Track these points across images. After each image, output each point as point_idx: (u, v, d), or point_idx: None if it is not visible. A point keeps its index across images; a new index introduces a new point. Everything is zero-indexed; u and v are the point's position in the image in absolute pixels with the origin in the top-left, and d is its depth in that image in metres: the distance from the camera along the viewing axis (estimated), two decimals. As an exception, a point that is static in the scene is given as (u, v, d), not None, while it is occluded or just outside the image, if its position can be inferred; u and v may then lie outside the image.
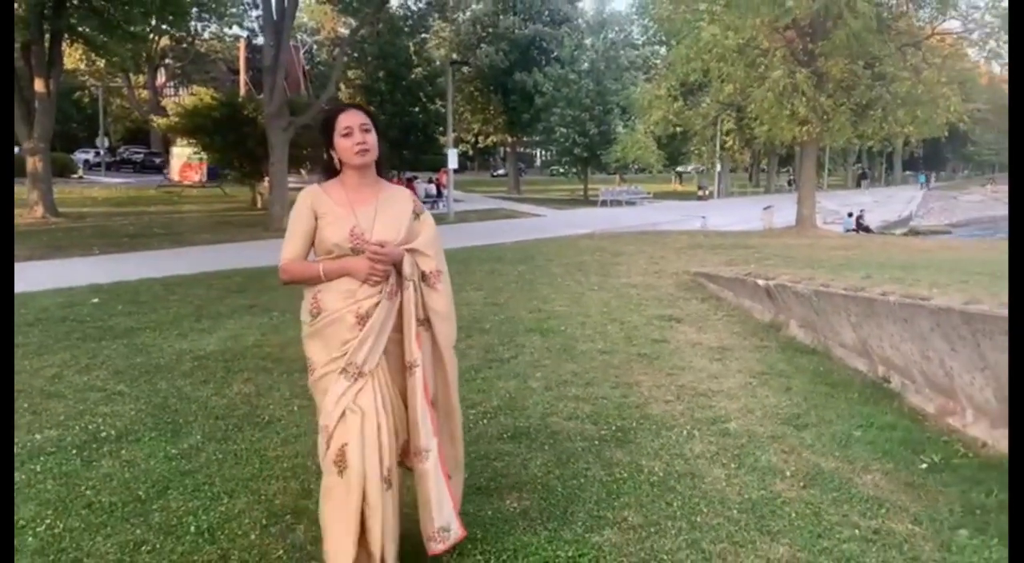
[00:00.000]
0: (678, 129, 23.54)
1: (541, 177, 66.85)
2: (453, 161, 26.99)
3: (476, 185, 49.26)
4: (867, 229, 26.82)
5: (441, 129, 39.53)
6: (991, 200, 58.96)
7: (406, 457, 2.87)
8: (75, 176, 37.25)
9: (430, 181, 34.86)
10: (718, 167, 43.25)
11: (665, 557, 3.02)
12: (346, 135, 2.73)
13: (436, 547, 2.80)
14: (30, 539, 3.12)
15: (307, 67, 44.86)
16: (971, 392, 4.63)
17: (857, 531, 3.26)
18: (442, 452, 2.83)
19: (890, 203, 44.30)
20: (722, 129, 32.30)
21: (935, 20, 19.92)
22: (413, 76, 38.62)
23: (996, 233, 39.84)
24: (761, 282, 8.11)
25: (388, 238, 2.74)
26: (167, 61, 46.81)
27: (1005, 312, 4.15)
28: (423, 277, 2.82)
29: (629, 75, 39.16)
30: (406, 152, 38.87)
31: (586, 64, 39.02)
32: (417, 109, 39.39)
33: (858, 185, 60.31)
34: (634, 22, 43.10)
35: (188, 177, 33.21)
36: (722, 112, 24.38)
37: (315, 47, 51.35)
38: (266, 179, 24.71)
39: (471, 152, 58.25)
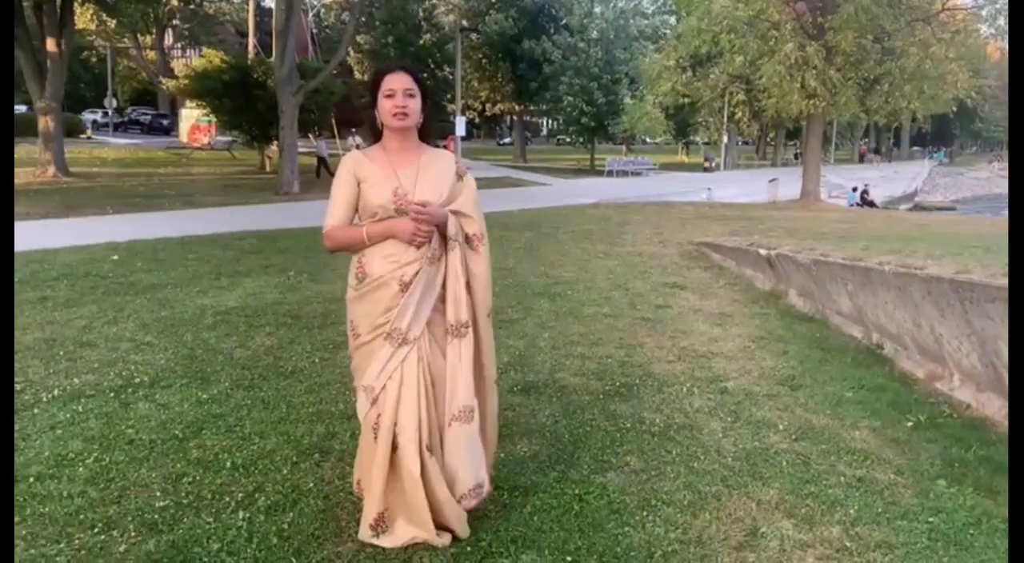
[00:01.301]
0: (686, 100, 23.57)
1: (547, 146, 66.70)
2: (461, 128, 27.11)
3: (482, 153, 49.25)
4: (872, 204, 26.93)
5: (449, 96, 39.46)
6: (997, 177, 58.82)
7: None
8: (84, 136, 37.37)
9: (437, 148, 34.89)
10: (725, 139, 43.19)
11: (664, 496, 3.28)
12: (388, 96, 2.72)
13: (469, 503, 2.84)
14: (81, 470, 3.40)
15: (315, 31, 44.63)
16: (958, 358, 4.88)
17: (842, 479, 3.52)
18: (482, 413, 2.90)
19: (896, 179, 44.26)
20: (730, 101, 32.23)
21: (947, -6, 19.87)
22: (422, 42, 38.53)
23: (1001, 210, 39.93)
24: (763, 252, 8.34)
25: (431, 199, 2.72)
26: (175, 22, 46.62)
27: (992, 281, 4.38)
28: (466, 239, 2.83)
29: (638, 45, 38.90)
30: (413, 119, 38.83)
31: (595, 33, 38.77)
32: (425, 75, 39.09)
33: (861, 160, 60.11)
34: (645, -10, 42.80)
35: (196, 140, 33.28)
36: (731, 84, 24.37)
37: (323, 11, 51.05)
38: (274, 143, 24.86)
39: (478, 120, 58.10)
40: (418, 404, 2.69)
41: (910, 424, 4.29)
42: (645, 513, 3.13)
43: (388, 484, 2.74)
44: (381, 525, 2.78)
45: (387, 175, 2.75)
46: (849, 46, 18.03)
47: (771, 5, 17.67)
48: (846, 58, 18.63)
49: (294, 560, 2.75)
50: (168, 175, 23.92)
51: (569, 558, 2.78)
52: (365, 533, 2.82)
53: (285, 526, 2.98)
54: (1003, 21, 18.81)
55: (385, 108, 2.74)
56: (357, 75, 40.23)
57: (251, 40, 33.95)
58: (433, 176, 2.80)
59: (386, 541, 2.78)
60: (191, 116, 32.58)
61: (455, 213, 2.79)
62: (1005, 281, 4.32)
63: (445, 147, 26.94)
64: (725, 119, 38.31)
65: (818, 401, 4.61)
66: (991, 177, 58.34)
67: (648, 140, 40.38)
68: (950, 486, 3.49)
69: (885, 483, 3.51)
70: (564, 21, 39.10)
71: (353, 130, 34.11)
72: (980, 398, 4.70)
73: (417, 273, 2.70)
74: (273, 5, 24.73)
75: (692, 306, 7.26)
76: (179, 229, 11.63)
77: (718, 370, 5.19)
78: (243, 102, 24.18)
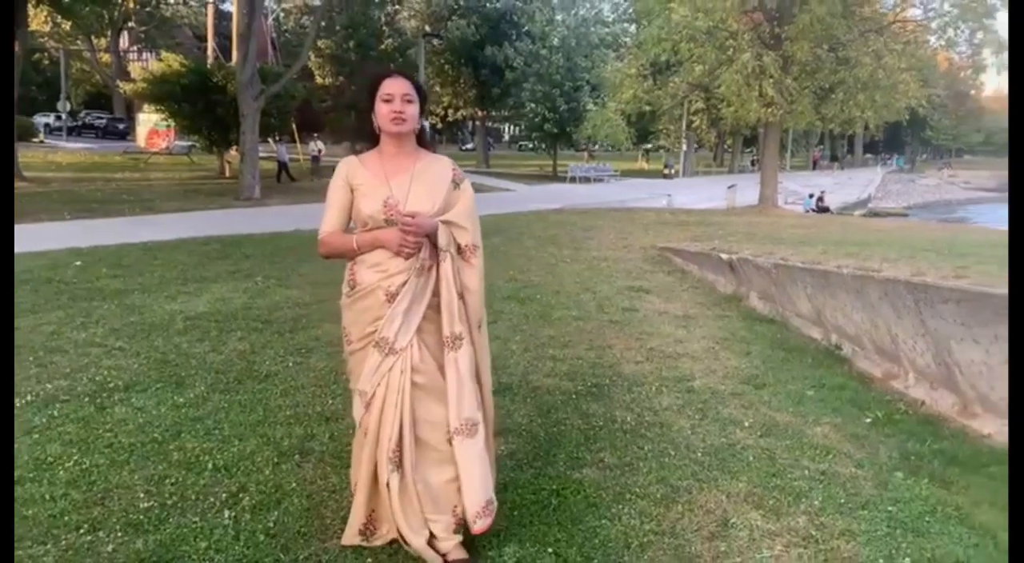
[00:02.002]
0: (647, 108, 23.92)
1: (510, 152, 66.96)
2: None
3: (444, 158, 49.05)
4: (827, 210, 27.57)
5: (411, 102, 39.36)
6: (947, 184, 60.54)
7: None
8: (36, 140, 36.57)
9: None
10: (684, 146, 43.79)
11: (638, 490, 3.41)
12: (386, 101, 2.70)
13: (482, 524, 2.72)
14: (61, 473, 3.42)
15: (274, 35, 44.29)
16: (913, 357, 5.10)
17: (806, 472, 3.68)
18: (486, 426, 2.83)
19: (850, 185, 45.27)
20: (690, 109, 32.75)
21: (897, 7, 20.48)
22: (383, 47, 38.43)
23: (950, 215, 41.10)
24: (724, 256, 8.55)
25: (422, 209, 2.67)
26: (130, 25, 45.87)
27: (945, 283, 4.59)
28: (458, 250, 2.76)
29: (599, 52, 39.31)
30: (375, 123, 38.72)
31: (557, 40, 39.06)
32: (388, 81, 39.19)
33: (814, 166, 61.35)
34: (604, -1, 43.29)
35: (155, 144, 32.78)
36: (691, 92, 24.81)
37: (282, 15, 50.65)
38: (234, 148, 24.63)
39: (440, 125, 58.08)
40: (396, 417, 2.65)
41: (869, 420, 4.48)
42: (620, 506, 3.25)
43: (371, 488, 2.74)
44: (370, 528, 2.82)
45: (379, 183, 2.72)
46: (805, 56, 18.49)
47: (730, 15, 18.04)
48: (802, 67, 19.10)
49: (282, 556, 2.82)
50: (126, 180, 23.53)
51: (550, 549, 2.88)
52: (353, 538, 2.83)
53: (271, 524, 3.04)
54: (952, 32, 19.49)
55: (383, 113, 2.71)
56: (318, 80, 39.98)
57: (210, 44, 33.60)
58: (427, 184, 2.76)
59: (376, 541, 2.84)
60: (149, 120, 32.07)
61: (447, 223, 2.72)
62: (958, 283, 4.54)
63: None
64: (684, 127, 38.86)
65: (781, 399, 4.78)
66: (941, 184, 60.01)
67: (612, 148, 40.76)
68: (907, 478, 3.67)
69: (847, 476, 3.67)
70: (526, 28, 39.36)
71: (315, 135, 33.93)
72: (934, 395, 4.92)
73: (404, 283, 2.66)
74: (232, 9, 24.51)
75: (658, 309, 7.43)
76: (141, 234, 11.51)
77: (685, 370, 5.35)
78: (203, 106, 23.93)
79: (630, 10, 26.60)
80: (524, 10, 40.74)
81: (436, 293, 2.73)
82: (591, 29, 40.22)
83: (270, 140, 30.63)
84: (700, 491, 3.43)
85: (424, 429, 2.70)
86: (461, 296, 2.75)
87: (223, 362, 5.19)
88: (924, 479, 3.65)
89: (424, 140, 2.88)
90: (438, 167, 2.84)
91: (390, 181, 2.73)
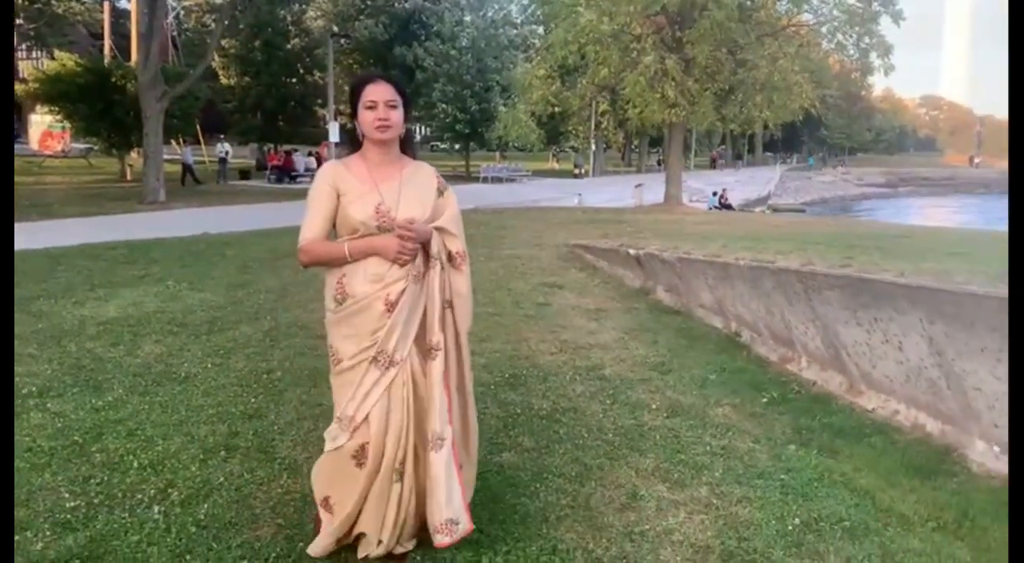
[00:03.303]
0: (556, 109, 24.38)
1: (422, 152, 66.24)
2: (335, 134, 26.86)
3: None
4: (729, 207, 28.65)
5: (320, 101, 38.93)
6: (841, 181, 63.62)
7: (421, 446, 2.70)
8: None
9: (310, 154, 34.41)
10: (593, 147, 44.65)
11: (554, 470, 3.64)
12: (370, 108, 2.62)
13: (442, 540, 2.63)
14: (-20, 478, 3.39)
15: (175, 34, 42.98)
16: (805, 341, 5.51)
17: (708, 448, 3.98)
18: (454, 441, 2.68)
19: (751, 183, 47.02)
20: (597, 110, 33.47)
21: (791, 12, 21.49)
22: (290, 47, 37.80)
23: (844, 210, 43.26)
24: (632, 252, 8.91)
25: (414, 215, 2.62)
26: (19, 22, 43.63)
27: (831, 271, 4.99)
28: (449, 257, 2.73)
29: (509, 54, 39.74)
30: (283, 124, 38.10)
31: (466, 41, 39.28)
32: (295, 81, 38.62)
33: (713, 165, 63.41)
34: (513, 0, 43.74)
35: (49, 147, 31.37)
36: (597, 94, 25.38)
37: (182, 13, 49.17)
38: (136, 150, 23.88)
39: (350, 125, 57.47)
40: (403, 430, 2.59)
41: (765, 400, 4.84)
42: (538, 485, 3.47)
43: (360, 507, 2.66)
44: (354, 546, 2.77)
45: (369, 189, 2.63)
46: (705, 59, 19.23)
47: (633, 19, 18.61)
48: (703, 70, 19.85)
49: (214, 545, 2.91)
50: (21, 185, 22.44)
51: (474, 526, 3.06)
52: (328, 547, 2.75)
53: (201, 516, 3.12)
54: (841, 36, 20.61)
55: (366, 120, 2.64)
56: (223, 80, 39.03)
57: (107, 43, 32.40)
58: (416, 191, 2.71)
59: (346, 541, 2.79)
60: (42, 122, 30.73)
61: (439, 230, 2.69)
62: (842, 271, 4.95)
63: (319, 153, 26.48)
64: (593, 127, 39.64)
65: (685, 383, 5.10)
66: (836, 181, 62.97)
67: (524, 148, 41.22)
68: (798, 449, 4.02)
69: (744, 450, 3.99)
70: (435, 28, 39.43)
71: (221, 137, 33.13)
72: (824, 376, 5.33)
73: (403, 292, 2.60)
74: (130, 7, 23.72)
75: (571, 303, 7.70)
76: (41, 240, 11.10)
77: (596, 359, 5.62)
78: (101, 107, 23.12)
79: (538, 12, 27.00)
80: (433, 11, 40.85)
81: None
82: (500, 30, 40.60)
83: (174, 142, 29.76)
84: (611, 468, 3.68)
85: (421, 439, 2.66)
86: (449, 303, 2.72)
87: (140, 365, 5.16)
88: (814, 450, 4.00)
89: (407, 146, 2.82)
90: (424, 174, 2.79)
91: (379, 187, 2.65)
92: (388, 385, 2.58)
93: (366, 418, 2.57)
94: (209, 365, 5.23)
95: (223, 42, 36.13)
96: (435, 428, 2.62)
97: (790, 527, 3.14)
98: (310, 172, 32.25)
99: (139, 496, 3.27)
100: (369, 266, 2.60)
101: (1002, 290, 3.64)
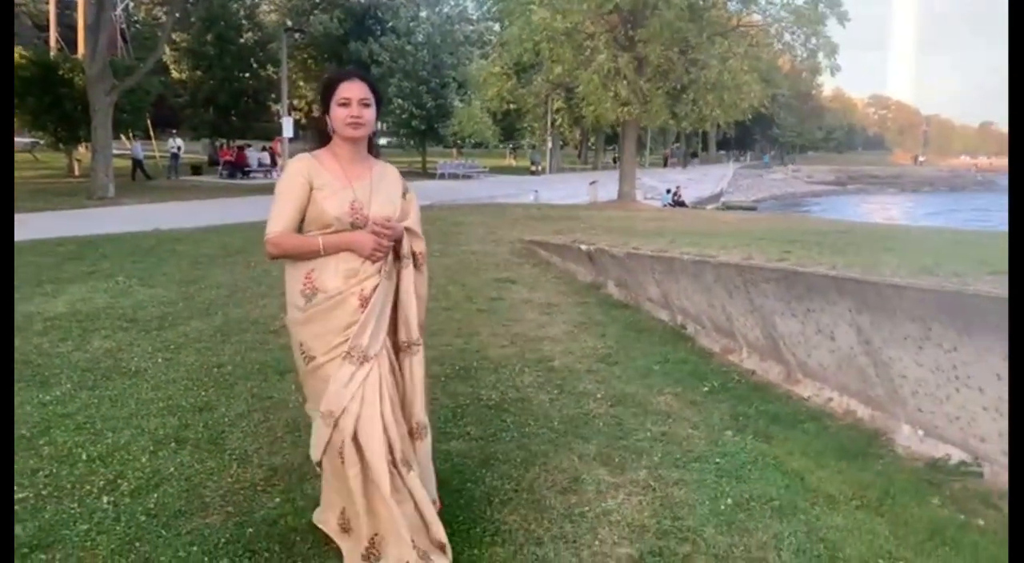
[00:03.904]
0: (512, 106, 24.49)
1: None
2: (288, 130, 26.60)
3: (310, 155, 48.27)
4: (682, 204, 29.11)
5: (273, 96, 38.53)
6: (791, 178, 64.91)
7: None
8: None
9: (264, 149, 34.05)
10: (549, 144, 44.90)
11: (500, 456, 3.75)
12: (343, 105, 2.63)
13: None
14: (-75, 472, 3.39)
15: (124, 27, 42.12)
16: (745, 332, 5.70)
17: (649, 434, 4.14)
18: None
19: (705, 180, 47.74)
20: (552, 108, 33.70)
21: (741, 12, 21.91)
22: (243, 41, 37.30)
23: (794, 207, 44.17)
24: (584, 248, 9.08)
25: (386, 214, 2.66)
26: (-42, 11, 42.35)
27: (768, 265, 5.19)
28: (413, 257, 2.78)
29: (465, 50, 39.74)
30: (236, 119, 37.61)
31: (422, 36, 39.18)
32: (248, 75, 38.14)
33: (665, 164, 64.10)
34: (469, -3, 43.72)
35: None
36: (552, 91, 25.56)
37: (131, 5, 48.19)
38: (84, 145, 23.41)
39: (304, 121, 56.91)
40: (383, 421, 2.57)
41: (706, 389, 5.02)
42: (484, 471, 3.58)
43: (370, 506, 2.60)
44: (374, 553, 2.63)
45: (343, 185, 2.63)
46: (657, 58, 19.52)
47: (586, 18, 18.80)
48: (655, 69, 20.14)
49: (164, 532, 2.97)
50: (-39, 179, 21.90)
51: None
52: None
53: (151, 505, 3.17)
54: (789, 37, 21.09)
55: (339, 116, 2.64)
56: (175, 74, 38.39)
57: (53, 34, 31.64)
58: (386, 190, 2.74)
59: None
60: (-16, 115, 29.83)
61: (407, 230, 2.74)
62: (777, 264, 5.15)
63: (272, 149, 26.16)
64: (549, 124, 39.88)
65: (630, 374, 5.26)
66: (786, 178, 64.22)
67: (480, 145, 41.30)
68: (735, 435, 4.19)
69: (684, 436, 4.15)
70: (391, 24, 39.23)
71: (174, 131, 32.60)
72: (763, 366, 5.54)
73: (376, 288, 2.62)
74: (78, -2, 23.23)
75: (523, 298, 7.83)
76: (-15, 236, 10.88)
77: (546, 352, 5.75)
78: (48, 101, 22.64)
79: (494, 9, 27.06)
80: (388, 6, 40.65)
81: (394, 300, 2.74)
82: (456, 26, 40.61)
83: (123, 137, 29.20)
84: (555, 454, 3.81)
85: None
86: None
87: (88, 360, 5.15)
88: (749, 436, 4.18)
89: (372, 147, 2.83)
90: (391, 175, 2.82)
91: (353, 184, 2.65)
92: (363, 379, 2.58)
93: (344, 412, 2.56)
94: (159, 360, 5.24)
95: (174, 35, 35.57)
96: (420, 419, 2.78)
97: (723, 507, 3.30)
98: (263, 168, 31.95)
99: (88, 487, 3.31)
100: (341, 261, 2.60)
101: (922, 281, 3.86)
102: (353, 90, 2.64)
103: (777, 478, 3.64)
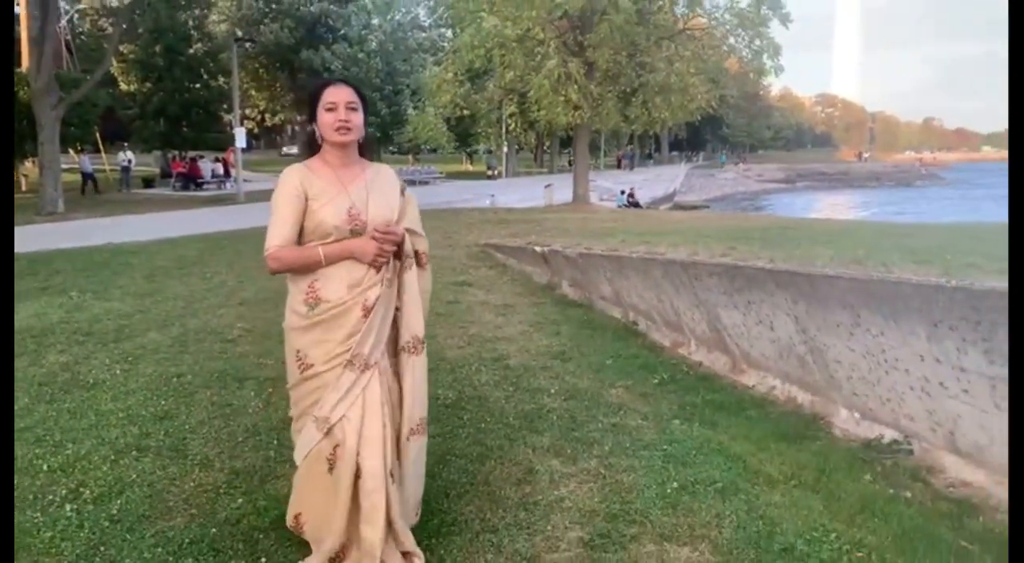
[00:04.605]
0: (466, 112, 24.65)
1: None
2: (241, 140, 26.39)
3: (264, 165, 47.91)
4: (637, 204, 29.50)
5: (225, 106, 38.13)
6: (742, 177, 66.07)
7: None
8: None
9: (217, 160, 33.70)
10: (504, 148, 45.16)
11: (457, 452, 3.88)
12: (330, 110, 2.63)
13: (416, 519, 2.89)
14: None
15: (68, 38, 41.35)
16: (692, 326, 5.92)
17: (600, 425, 4.30)
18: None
19: (659, 181, 48.35)
20: (506, 113, 33.91)
21: (687, 16, 22.32)
22: (193, 51, 36.86)
23: (745, 206, 44.99)
24: (538, 249, 9.25)
25: (384, 217, 2.64)
26: None
27: (711, 260, 5.41)
28: (415, 256, 2.77)
29: (418, 57, 39.91)
30: (187, 130, 37.13)
31: (375, 44, 39.22)
32: (198, 86, 37.70)
33: (618, 165, 64.64)
34: (420, 4, 43.78)
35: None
36: (505, 97, 25.76)
37: (76, 17, 47.32)
38: (30, 159, 23.00)
39: (257, 130, 56.40)
40: (383, 431, 2.58)
41: (656, 381, 5.21)
42: (441, 466, 3.71)
43: (350, 516, 2.60)
44: (339, 556, 2.65)
45: (338, 192, 2.61)
46: (606, 62, 19.83)
47: (536, 24, 19.03)
48: (604, 73, 20.45)
49: (128, 536, 3.04)
50: (-98, 197, 21.37)
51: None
52: None
53: (115, 511, 3.23)
54: (733, 40, 21.55)
55: (326, 121, 2.63)
56: (123, 86, 37.82)
57: (-6, 47, 30.89)
58: (383, 193, 2.72)
59: None
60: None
61: (408, 231, 2.73)
62: (720, 259, 5.37)
63: (225, 159, 25.88)
64: (504, 129, 40.11)
65: (584, 369, 5.43)
66: (737, 177, 65.32)
67: (436, 150, 41.42)
68: (682, 424, 4.38)
69: (634, 426, 4.33)
70: (343, 32, 39.16)
71: (124, 144, 32.11)
72: (710, 357, 5.75)
73: (379, 297, 2.61)
74: (19, 10, 22.86)
75: (480, 300, 7.97)
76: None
77: (502, 351, 5.90)
78: (-9, 115, 22.14)
79: (446, 15, 27.20)
80: (340, 14, 40.53)
81: (397, 302, 2.72)
82: (408, 34, 40.73)
83: (72, 151, 28.72)
84: (510, 448, 3.95)
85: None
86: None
87: (45, 374, 5.16)
88: (696, 424, 4.37)
89: (366, 149, 2.82)
90: (386, 175, 2.81)
91: (348, 189, 2.64)
92: (364, 387, 2.58)
93: (341, 419, 2.56)
94: (117, 371, 5.27)
95: (122, 47, 35.05)
96: (421, 413, 2.77)
97: (669, 490, 3.47)
98: (217, 179, 31.64)
99: (51, 496, 3.36)
100: (344, 270, 2.59)
101: (852, 270, 4.09)
102: (339, 94, 2.64)
103: (721, 462, 3.82)
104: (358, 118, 2.66)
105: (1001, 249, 4.83)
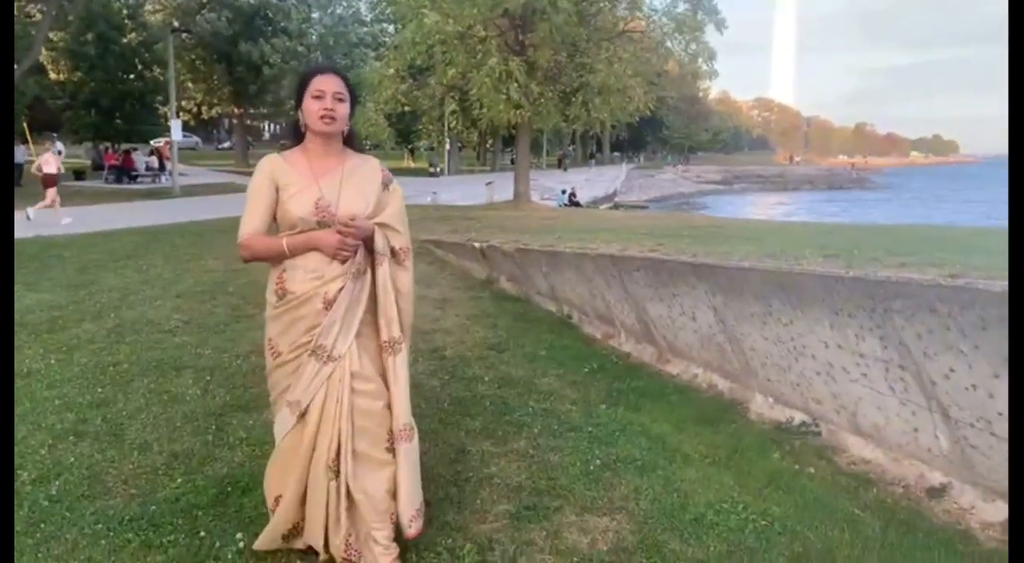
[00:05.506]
0: (407, 108, 24.67)
1: (271, 151, 64.84)
2: (177, 132, 25.90)
3: (200, 158, 47.03)
4: (578, 204, 29.94)
5: (160, 98, 37.30)
6: (681, 178, 67.36)
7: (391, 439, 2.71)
8: None
9: (151, 153, 32.97)
10: (447, 145, 45.18)
11: (392, 435, 4.04)
12: (317, 97, 2.58)
13: (415, 528, 2.76)
14: None
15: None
16: (622, 318, 6.17)
17: (531, 410, 4.51)
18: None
19: (600, 181, 48.99)
20: (447, 110, 33.99)
21: (626, 18, 22.76)
22: (127, 41, 35.96)
23: (683, 206, 45.96)
24: (477, 245, 9.43)
25: (355, 210, 2.58)
26: None
27: (638, 254, 5.66)
28: (392, 253, 2.70)
29: (359, 51, 39.57)
30: (120, 122, 36.22)
31: (315, 38, 38.80)
32: (133, 77, 36.79)
33: (559, 165, 65.10)
34: (362, -1, 43.47)
35: None
36: (447, 94, 25.85)
37: (2, 1, 45.58)
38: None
39: (193, 123, 55.21)
40: (336, 425, 2.57)
41: (586, 370, 5.44)
42: (377, 448, 3.86)
43: (300, 499, 2.69)
44: (293, 532, 2.78)
45: (308, 184, 2.59)
46: (547, 61, 20.10)
47: (477, 22, 19.18)
48: (545, 72, 20.73)
49: (68, 515, 3.12)
50: None
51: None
52: (272, 543, 2.79)
53: (53, 492, 3.31)
54: (670, 43, 22.07)
55: (312, 109, 2.59)
56: (52, 75, 36.68)
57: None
58: (358, 185, 2.66)
59: (297, 543, 2.81)
60: None
61: (381, 226, 2.65)
62: (647, 254, 5.63)
63: (158, 151, 25.25)
64: (446, 127, 40.16)
65: (518, 359, 5.64)
66: (676, 179, 66.57)
67: (377, 146, 41.11)
68: (608, 408, 4.62)
69: (563, 411, 4.55)
70: (283, 25, 38.62)
71: (55, 135, 31.17)
72: (638, 348, 6.02)
73: (341, 289, 2.57)
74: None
75: (418, 294, 7.97)
76: None
77: (439, 342, 6.07)
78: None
79: (388, 10, 27.10)
80: (279, 7, 39.94)
81: (372, 298, 2.66)
82: (349, 28, 40.34)
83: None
84: (444, 431, 4.13)
85: (363, 438, 2.62)
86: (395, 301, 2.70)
87: (-23, 364, 5.13)
88: (621, 408, 4.61)
89: (352, 141, 2.77)
90: (367, 168, 2.74)
91: (319, 181, 2.61)
92: (327, 377, 2.57)
93: (310, 404, 2.59)
94: (52, 361, 5.27)
95: (51, 34, 33.97)
96: (405, 419, 2.70)
97: (592, 467, 3.70)
98: (151, 172, 30.97)
99: (-12, 479, 3.41)
100: (309, 262, 2.58)
101: (764, 263, 4.38)
102: (328, 83, 2.60)
103: (642, 442, 4.07)
104: (344, 109, 2.62)
105: (905, 246, 5.21)
